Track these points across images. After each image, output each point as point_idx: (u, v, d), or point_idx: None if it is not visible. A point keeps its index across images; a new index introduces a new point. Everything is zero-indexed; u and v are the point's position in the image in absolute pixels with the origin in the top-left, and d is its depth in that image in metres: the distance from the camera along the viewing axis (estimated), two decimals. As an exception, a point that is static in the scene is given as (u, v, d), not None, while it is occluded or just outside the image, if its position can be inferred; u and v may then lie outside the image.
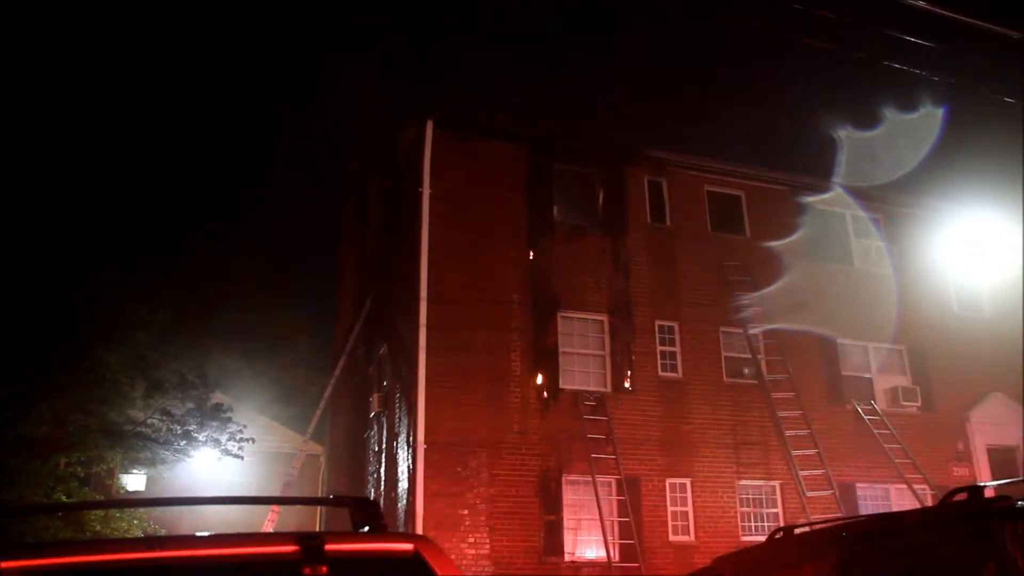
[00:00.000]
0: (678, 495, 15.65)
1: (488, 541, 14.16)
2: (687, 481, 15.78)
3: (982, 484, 4.71)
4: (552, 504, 14.79)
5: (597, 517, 14.41)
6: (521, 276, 16.03)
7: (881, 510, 15.93)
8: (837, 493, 15.48)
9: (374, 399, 17.61)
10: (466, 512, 14.21)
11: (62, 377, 13.85)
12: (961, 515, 4.53)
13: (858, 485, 16.76)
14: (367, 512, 3.51)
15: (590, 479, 14.65)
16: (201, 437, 16.04)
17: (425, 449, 14.14)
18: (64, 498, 14.11)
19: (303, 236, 43.65)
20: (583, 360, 16.10)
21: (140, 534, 14.37)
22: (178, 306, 16.51)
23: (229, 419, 16.41)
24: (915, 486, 16.05)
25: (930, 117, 20.11)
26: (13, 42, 14.80)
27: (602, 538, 14.29)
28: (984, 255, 19.36)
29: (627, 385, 16.02)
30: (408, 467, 14.63)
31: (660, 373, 16.38)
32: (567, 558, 14.53)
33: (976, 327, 19.01)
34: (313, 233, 50.02)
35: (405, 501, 14.63)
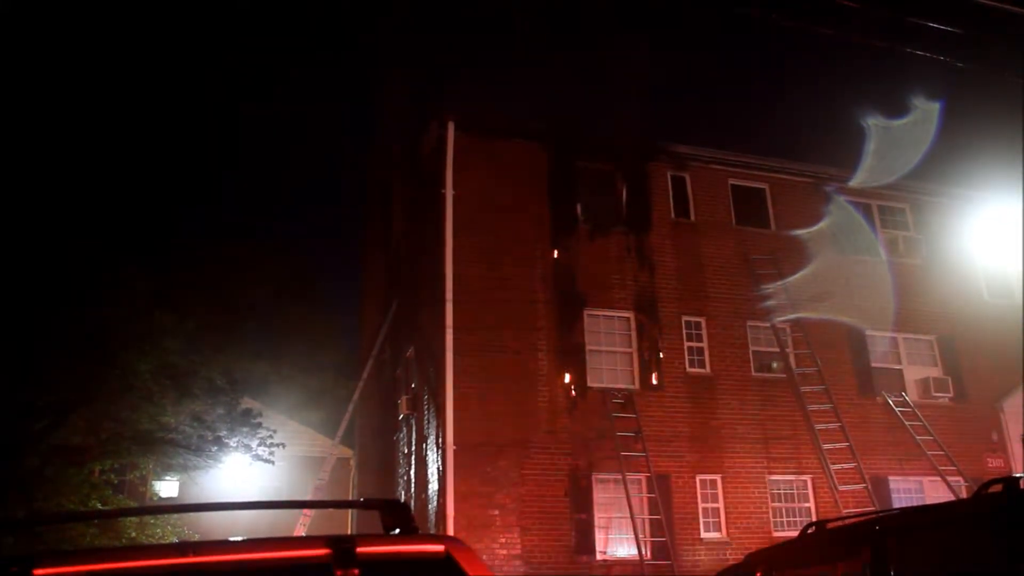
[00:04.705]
0: (709, 491, 15.59)
1: (519, 541, 14.17)
2: (717, 477, 15.71)
3: (1018, 475, 4.65)
4: (582, 503, 14.77)
5: (628, 515, 14.38)
6: (546, 275, 16.03)
7: (915, 503, 15.78)
8: (869, 486, 15.35)
9: (402, 401, 17.66)
10: (497, 512, 14.22)
11: (94, 386, 14.00)
12: (997, 507, 4.47)
13: (891, 478, 16.62)
14: (398, 514, 3.52)
15: (620, 477, 14.62)
16: (232, 442, 16.11)
17: (454, 450, 14.17)
18: (99, 505, 14.27)
19: (328, 240, 43.82)
20: (610, 357, 16.07)
21: (174, 539, 14.49)
22: (206, 313, 16.63)
23: (259, 424, 16.48)
24: (949, 478, 15.86)
25: (953, 104, 19.89)
26: (34, 45, 14.91)
27: (633, 536, 14.26)
28: (1013, 241, 19.10)
29: (655, 382, 15.96)
30: (438, 469, 14.66)
31: (688, 369, 16.33)
32: (599, 557, 14.51)
33: (1007, 314, 18.74)
34: (338, 237, 50.27)
35: (435, 503, 14.67)
